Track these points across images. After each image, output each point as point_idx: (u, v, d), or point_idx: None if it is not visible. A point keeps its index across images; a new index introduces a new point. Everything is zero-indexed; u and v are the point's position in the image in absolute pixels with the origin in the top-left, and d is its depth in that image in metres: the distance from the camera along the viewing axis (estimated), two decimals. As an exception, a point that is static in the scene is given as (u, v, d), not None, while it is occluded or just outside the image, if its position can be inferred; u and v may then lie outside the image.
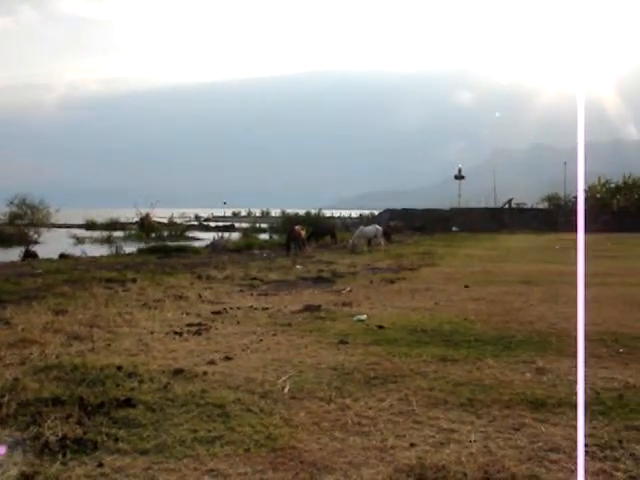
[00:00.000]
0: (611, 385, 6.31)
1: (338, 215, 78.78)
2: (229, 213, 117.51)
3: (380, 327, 9.51)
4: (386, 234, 34.65)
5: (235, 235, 45.03)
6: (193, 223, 77.22)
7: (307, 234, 31.31)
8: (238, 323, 10.05)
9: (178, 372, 6.67)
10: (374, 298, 13.08)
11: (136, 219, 54.76)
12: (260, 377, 6.56)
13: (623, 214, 62.67)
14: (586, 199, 60.11)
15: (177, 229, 55.54)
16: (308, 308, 11.31)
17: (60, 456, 4.47)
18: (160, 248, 31.11)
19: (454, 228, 59.53)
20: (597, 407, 5.52)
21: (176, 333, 9.07)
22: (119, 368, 6.70)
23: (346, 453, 4.57)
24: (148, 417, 5.28)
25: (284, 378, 6.50)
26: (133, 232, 51.07)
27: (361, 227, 33.79)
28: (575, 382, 6.08)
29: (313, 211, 57.19)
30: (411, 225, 58.03)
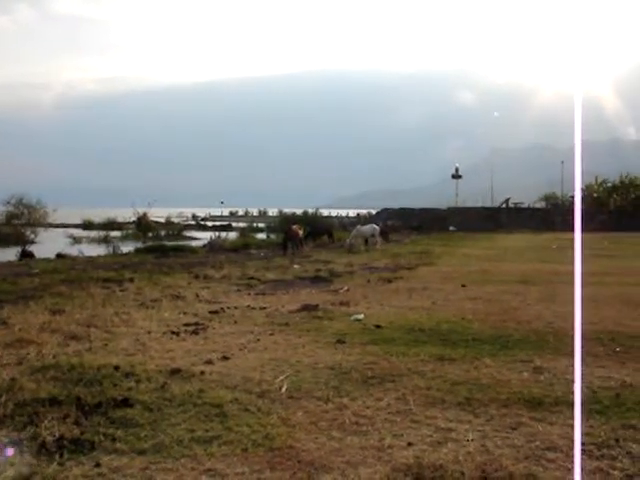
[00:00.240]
0: (608, 384, 6.33)
1: (335, 214, 78.83)
2: (226, 213, 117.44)
3: (377, 326, 9.51)
4: (383, 233, 34.67)
5: (232, 235, 44.98)
6: (190, 223, 77.13)
7: (304, 233, 31.32)
8: (235, 323, 10.05)
9: (175, 372, 6.67)
10: (371, 297, 13.09)
11: (133, 219, 54.69)
12: (257, 377, 6.56)
13: (620, 213, 62.83)
14: (583, 198, 60.19)
15: (174, 229, 55.49)
16: (305, 307, 11.32)
17: (57, 456, 4.46)
18: (157, 248, 31.07)
19: (451, 227, 59.63)
20: (594, 406, 5.53)
21: (173, 333, 9.06)
22: (116, 368, 6.69)
23: (344, 452, 4.57)
24: (145, 417, 5.27)
25: (281, 378, 6.50)
26: (130, 232, 50.99)
27: (358, 226, 33.81)
28: (572, 381, 6.08)
29: (310, 210, 57.18)
30: (408, 224, 58.10)
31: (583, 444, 4.57)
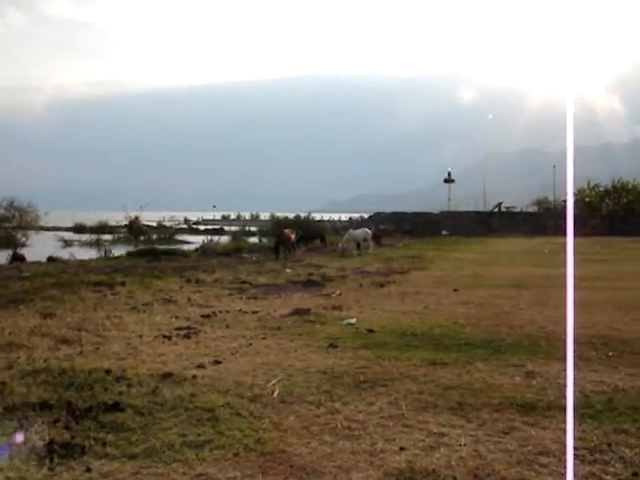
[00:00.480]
0: (600, 388, 6.33)
1: (328, 218, 78.79)
2: (218, 216, 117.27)
3: (370, 331, 9.50)
4: (376, 237, 34.68)
5: (224, 238, 44.93)
6: (182, 226, 77.01)
7: (297, 237, 31.30)
8: (227, 327, 10.02)
9: (167, 376, 6.64)
10: (364, 302, 13.08)
11: (125, 222, 54.51)
12: (249, 381, 6.54)
13: (612, 218, 62.98)
14: (575, 203, 60.33)
15: (166, 232, 55.36)
16: (297, 312, 11.29)
17: (47, 461, 4.43)
18: (149, 251, 31.03)
19: (444, 232, 59.66)
20: (586, 410, 5.53)
21: (165, 337, 9.03)
22: (107, 372, 6.65)
23: (335, 457, 4.55)
24: (137, 421, 5.24)
25: (273, 382, 6.48)
26: (122, 235, 50.85)
27: (350, 230, 33.79)
28: (564, 385, 6.08)
29: (303, 214, 57.11)
30: (401, 228, 58.11)
31: (575, 449, 4.57)
